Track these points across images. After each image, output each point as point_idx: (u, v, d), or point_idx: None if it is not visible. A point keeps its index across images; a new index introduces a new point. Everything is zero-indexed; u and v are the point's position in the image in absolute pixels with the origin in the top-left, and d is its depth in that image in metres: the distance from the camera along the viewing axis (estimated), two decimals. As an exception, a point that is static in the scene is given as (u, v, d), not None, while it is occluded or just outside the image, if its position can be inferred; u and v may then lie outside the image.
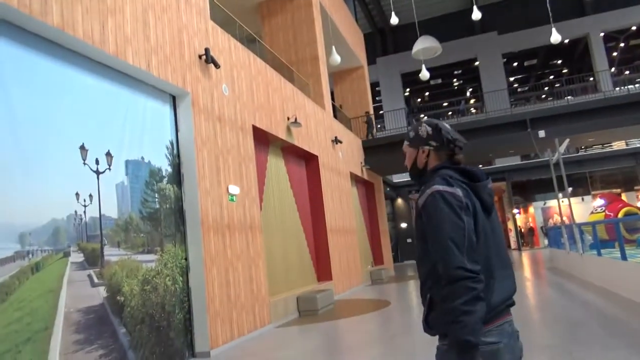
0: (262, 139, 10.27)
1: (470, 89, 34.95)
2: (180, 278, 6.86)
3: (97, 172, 5.83)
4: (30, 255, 4.90)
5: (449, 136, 1.96)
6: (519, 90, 33.48)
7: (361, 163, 18.49)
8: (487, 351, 1.70)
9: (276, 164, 11.31)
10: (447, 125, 2.00)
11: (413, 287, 14.24)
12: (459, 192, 1.79)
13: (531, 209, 30.10)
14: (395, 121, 24.23)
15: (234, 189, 8.13)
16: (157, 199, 6.90)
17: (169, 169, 7.16)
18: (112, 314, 5.67)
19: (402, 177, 31.52)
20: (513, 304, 1.88)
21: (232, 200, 8.04)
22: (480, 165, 30.58)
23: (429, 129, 2.00)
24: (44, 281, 4.96)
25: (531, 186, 30.03)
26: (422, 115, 34.59)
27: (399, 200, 31.96)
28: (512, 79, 32.98)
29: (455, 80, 35.05)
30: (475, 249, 1.74)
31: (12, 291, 4.61)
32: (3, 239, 4.65)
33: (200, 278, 6.93)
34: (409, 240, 31.20)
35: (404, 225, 31.22)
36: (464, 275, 1.66)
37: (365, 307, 10.77)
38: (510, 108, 23.11)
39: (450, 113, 33.42)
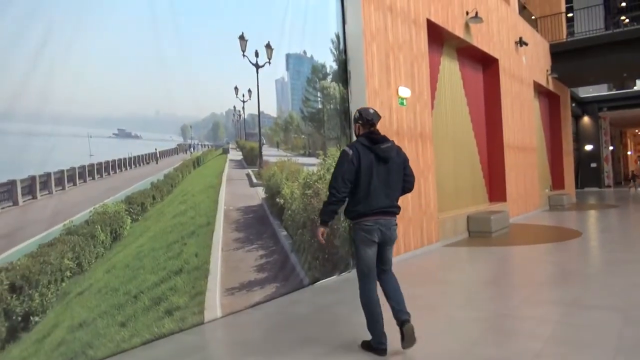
0: (436, 36, 8.94)
1: (699, -20, 27.64)
2: (343, 185, 6.34)
3: (257, 66, 5.35)
4: (192, 149, 4.69)
5: (368, 117, 3.46)
6: None
7: (547, 71, 15.86)
8: (366, 229, 3.34)
9: (450, 67, 9.95)
10: (369, 110, 3.50)
11: (602, 217, 12.15)
12: (351, 152, 3.32)
13: None
14: (590, 22, 20.16)
15: (405, 92, 7.18)
16: (319, 99, 6.31)
17: (334, 66, 6.45)
18: (272, 215, 5.40)
19: (590, 91, 27.06)
20: (390, 211, 3.40)
21: (402, 104, 7.13)
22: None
23: (357, 114, 3.51)
24: (205, 176, 4.77)
25: None
26: (622, 18, 28.70)
27: (585, 119, 27.68)
28: None
29: (678, -32, 27.93)
30: (353, 180, 3.31)
31: (177, 183, 4.49)
32: (167, 130, 4.47)
33: (365, 186, 6.34)
34: (593, 165, 27.25)
35: (589, 147, 27.17)
36: (332, 191, 3.34)
37: (549, 235, 9.35)
38: None
39: (660, 15, 27.15)
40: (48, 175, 3.53)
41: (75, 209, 3.69)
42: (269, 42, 5.49)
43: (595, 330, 3.69)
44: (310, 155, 6.06)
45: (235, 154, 5.16)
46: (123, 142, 4.11)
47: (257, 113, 5.37)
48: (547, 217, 12.57)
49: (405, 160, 3.52)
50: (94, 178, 3.86)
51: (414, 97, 7.49)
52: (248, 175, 5.25)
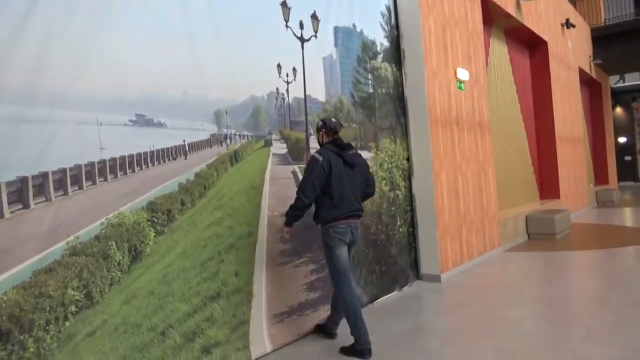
0: (485, 14, 7.89)
1: None
2: (402, 183, 5.35)
3: (302, 39, 4.40)
4: (228, 141, 3.75)
5: (332, 126, 3.60)
6: None
7: (590, 57, 14.68)
8: (339, 231, 3.46)
9: (499, 50, 8.90)
10: (332, 120, 3.66)
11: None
12: (321, 158, 3.39)
13: None
14: (620, 8, 18.80)
15: (463, 74, 6.16)
16: (370, 81, 5.34)
17: (385, 43, 5.48)
18: (322, 222, 4.43)
19: (620, 81, 25.65)
20: (358, 214, 3.57)
21: (460, 88, 6.12)
22: None
23: (321, 123, 3.65)
24: (245, 175, 3.83)
25: None
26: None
27: (618, 109, 26.27)
28: None
29: None
30: (324, 185, 3.41)
31: (211, 184, 3.55)
32: (197, 116, 3.54)
33: (428, 184, 5.34)
34: (627, 158, 25.87)
35: (622, 139, 25.77)
36: (300, 195, 3.39)
37: (621, 237, 8.10)
38: None
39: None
40: (44, 175, 2.62)
41: (82, 220, 2.77)
42: (314, 11, 4.54)
43: None
44: (361, 148, 5.08)
45: (279, 147, 4.21)
46: (143, 131, 3.19)
47: (302, 97, 4.41)
48: (601, 214, 11.42)
49: (367, 166, 3.74)
50: (106, 179, 2.95)
51: (472, 81, 6.47)
52: (294, 172, 4.29)
